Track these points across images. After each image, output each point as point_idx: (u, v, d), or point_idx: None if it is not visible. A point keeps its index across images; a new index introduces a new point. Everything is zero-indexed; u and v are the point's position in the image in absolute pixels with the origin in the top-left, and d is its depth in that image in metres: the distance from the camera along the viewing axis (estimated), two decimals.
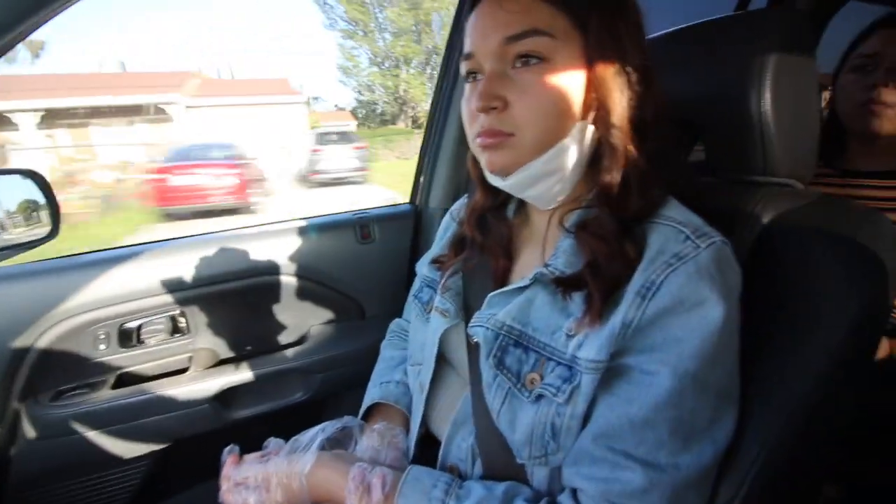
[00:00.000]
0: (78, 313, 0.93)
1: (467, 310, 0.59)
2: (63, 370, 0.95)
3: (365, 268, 1.13)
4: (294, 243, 1.08)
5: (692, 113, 0.60)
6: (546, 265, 0.51)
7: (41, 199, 1.02)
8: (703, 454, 0.44)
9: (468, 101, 0.51)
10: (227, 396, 0.99)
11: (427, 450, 0.62)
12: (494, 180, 0.53)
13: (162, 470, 1.00)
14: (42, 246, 0.97)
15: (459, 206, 0.74)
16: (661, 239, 0.46)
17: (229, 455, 0.57)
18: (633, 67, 0.48)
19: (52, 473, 0.93)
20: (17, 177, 1.00)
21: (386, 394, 0.69)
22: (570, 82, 0.47)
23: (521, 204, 0.61)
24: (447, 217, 0.75)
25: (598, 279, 0.46)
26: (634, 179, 0.48)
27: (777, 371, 0.46)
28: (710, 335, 0.42)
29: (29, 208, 1.04)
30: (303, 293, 1.10)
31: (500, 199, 0.61)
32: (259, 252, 1.06)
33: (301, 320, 1.13)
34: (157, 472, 0.99)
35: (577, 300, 0.47)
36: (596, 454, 0.45)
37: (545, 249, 0.53)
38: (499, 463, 0.52)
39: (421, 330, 0.65)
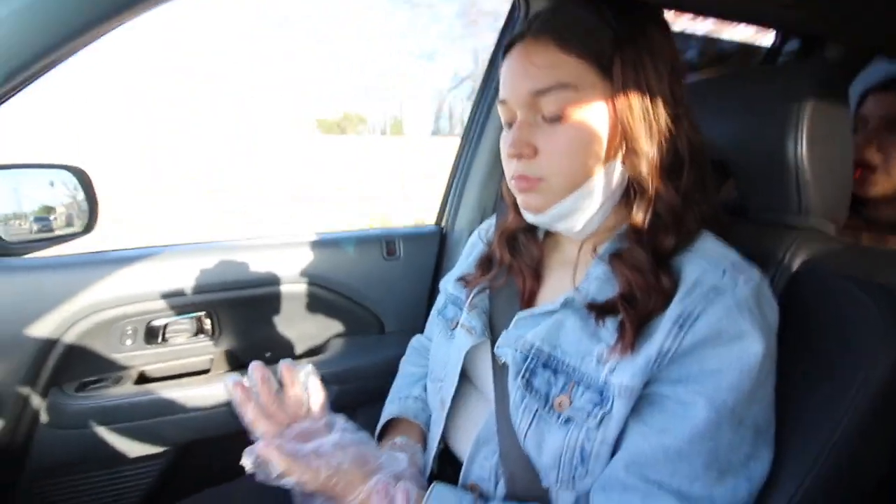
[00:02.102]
0: (107, 308, 0.96)
1: (493, 328, 0.60)
2: (89, 362, 0.97)
3: (388, 284, 1.15)
4: (321, 255, 1.10)
5: (724, 154, 0.62)
6: (577, 289, 0.52)
7: (81, 196, 1.07)
8: (738, 489, 0.44)
9: (503, 146, 0.54)
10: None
11: (445, 467, 0.61)
12: (528, 216, 0.55)
13: (175, 470, 1.00)
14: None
15: (487, 226, 0.75)
16: (699, 271, 0.46)
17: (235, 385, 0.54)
18: (662, 109, 0.49)
19: (67, 464, 0.94)
20: (62, 172, 1.05)
21: (404, 409, 0.69)
22: (597, 129, 0.49)
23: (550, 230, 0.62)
24: (474, 236, 0.77)
25: (633, 310, 0.46)
26: (667, 216, 0.49)
27: (813, 413, 0.46)
28: (748, 369, 0.43)
29: (69, 204, 1.09)
30: (326, 304, 1.12)
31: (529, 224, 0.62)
32: (286, 261, 1.08)
33: (322, 331, 1.15)
34: (170, 472, 1.00)
35: (608, 327, 0.48)
36: (628, 482, 0.44)
37: (576, 274, 0.55)
38: (522, 484, 0.52)
39: (444, 346, 0.66)
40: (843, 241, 0.56)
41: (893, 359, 0.44)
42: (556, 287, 0.58)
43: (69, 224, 1.07)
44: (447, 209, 1.23)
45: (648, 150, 0.48)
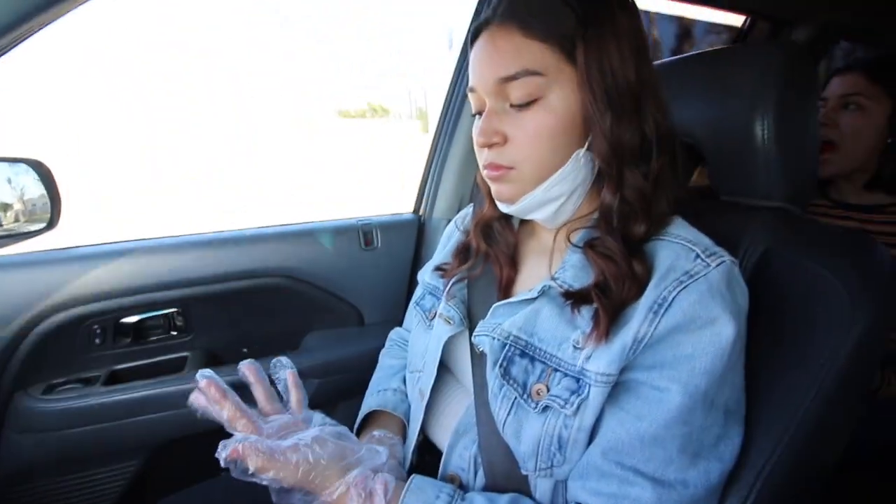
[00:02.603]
0: (74, 306, 0.92)
1: (471, 318, 0.60)
2: (56, 363, 0.94)
3: (366, 275, 1.14)
4: (296, 246, 1.08)
5: (695, 137, 0.63)
6: (554, 278, 0.52)
7: (42, 190, 1.02)
8: (711, 471, 0.45)
9: (474, 134, 0.53)
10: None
11: (425, 458, 0.62)
12: (501, 206, 0.55)
13: (152, 470, 0.98)
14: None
15: (463, 215, 0.75)
16: (672, 256, 0.47)
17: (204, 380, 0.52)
18: (627, 92, 0.49)
19: (38, 468, 0.91)
20: (20, 165, 1.00)
21: (383, 402, 0.69)
22: (565, 115, 0.49)
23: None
24: (451, 226, 0.76)
25: (607, 298, 0.46)
26: (636, 202, 0.49)
27: (780, 391, 0.48)
28: (720, 353, 0.43)
29: (30, 199, 1.05)
30: (303, 297, 1.10)
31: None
32: (260, 253, 1.06)
33: (300, 324, 1.13)
34: (147, 473, 0.98)
35: (584, 314, 0.48)
36: (604, 469, 0.45)
37: (552, 262, 0.55)
38: (502, 473, 0.52)
39: (422, 337, 0.65)
40: (809, 221, 0.57)
41: (857, 337, 0.45)
42: (533, 275, 0.58)
43: (31, 220, 1.03)
44: (425, 197, 1.22)
45: (614, 135, 0.48)
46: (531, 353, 0.50)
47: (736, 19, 1.45)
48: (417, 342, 0.67)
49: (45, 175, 1.02)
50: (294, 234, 1.09)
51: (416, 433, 0.61)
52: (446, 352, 0.60)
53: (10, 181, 1.01)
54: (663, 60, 0.70)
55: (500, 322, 0.53)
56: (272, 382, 0.57)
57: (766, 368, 0.49)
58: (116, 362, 1.00)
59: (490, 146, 0.51)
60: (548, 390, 0.47)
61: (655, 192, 0.50)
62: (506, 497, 0.49)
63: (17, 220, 1.01)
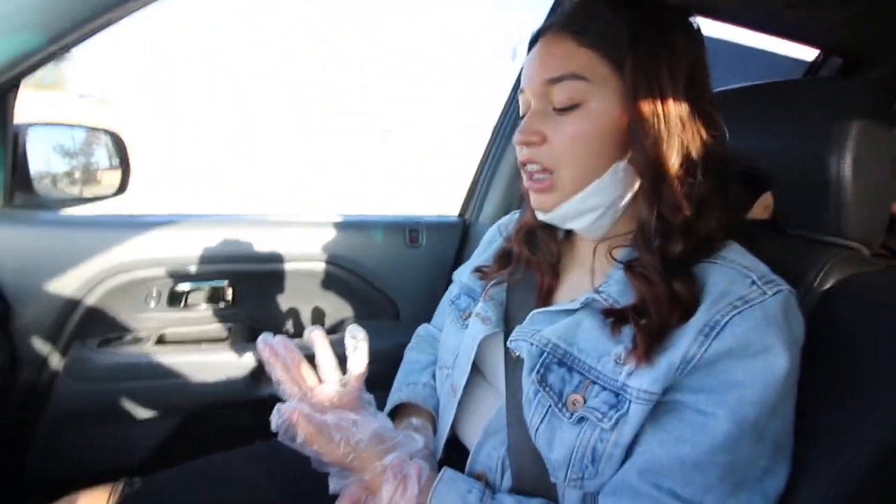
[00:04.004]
0: (135, 269, 0.98)
1: (507, 321, 0.60)
2: (112, 320, 1.00)
3: (407, 271, 1.16)
4: (345, 236, 1.12)
5: (762, 166, 0.62)
6: (598, 291, 0.52)
7: (116, 159, 1.09)
8: (752, 503, 0.44)
9: (516, 133, 0.55)
10: (258, 373, 1.02)
11: (451, 454, 0.62)
12: (539, 214, 0.56)
13: (186, 431, 1.03)
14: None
15: (507, 221, 0.76)
16: (725, 280, 0.46)
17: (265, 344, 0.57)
18: (674, 112, 0.48)
19: (84, 415, 0.97)
20: (99, 134, 1.08)
21: (413, 394, 0.70)
22: (605, 124, 0.50)
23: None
24: (493, 230, 0.77)
25: (645, 321, 0.46)
26: (674, 221, 0.49)
27: (835, 433, 0.46)
28: (773, 384, 0.42)
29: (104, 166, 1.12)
30: (345, 285, 1.13)
31: None
32: (310, 239, 1.10)
33: (338, 311, 1.16)
34: (181, 432, 1.02)
35: (626, 331, 0.48)
36: (640, 488, 0.44)
37: (594, 275, 0.55)
38: (529, 478, 0.52)
39: (454, 335, 0.66)
40: (877, 264, 0.56)
41: None
42: (575, 286, 0.58)
43: (102, 185, 1.11)
44: (473, 201, 1.23)
45: (654, 152, 0.48)
46: (569, 362, 0.50)
47: (806, 53, 1.41)
48: (449, 340, 0.67)
49: (118, 144, 1.10)
50: (344, 225, 1.13)
51: (448, 428, 0.62)
52: (479, 352, 0.60)
53: (87, 148, 1.09)
54: (730, 87, 0.69)
55: (538, 329, 0.53)
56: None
57: (822, 407, 0.47)
58: (166, 326, 1.05)
59: (528, 144, 0.52)
60: (584, 401, 0.47)
61: (700, 213, 0.49)
62: (534, 501, 0.49)
63: (89, 184, 1.09)
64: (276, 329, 1.13)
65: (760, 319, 0.43)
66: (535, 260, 0.61)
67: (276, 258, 1.07)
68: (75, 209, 1.05)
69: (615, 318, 0.48)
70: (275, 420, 0.47)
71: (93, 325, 0.98)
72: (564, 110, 0.50)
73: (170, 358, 0.98)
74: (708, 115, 0.50)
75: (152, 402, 0.99)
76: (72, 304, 0.94)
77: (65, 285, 0.93)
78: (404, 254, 1.16)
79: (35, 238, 0.92)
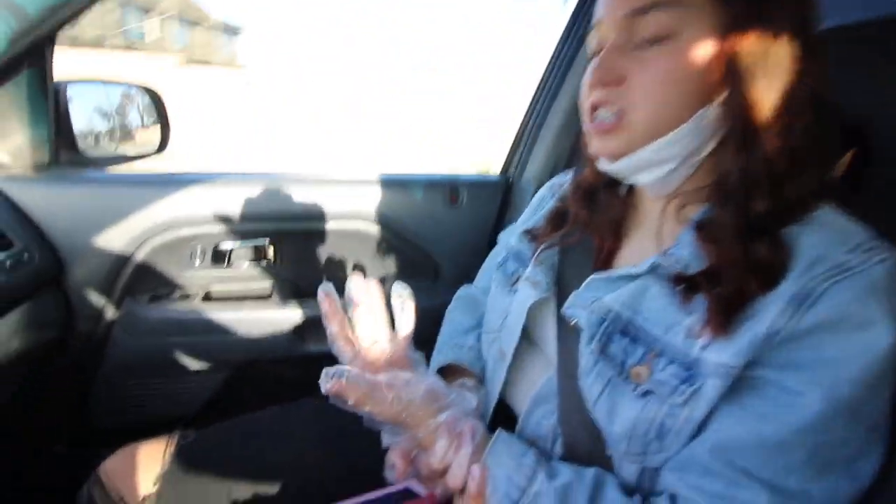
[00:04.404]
0: (180, 227, 0.99)
1: (560, 287, 0.57)
2: (160, 277, 1.02)
3: (448, 231, 1.13)
4: (386, 195, 1.09)
5: (858, 119, 0.54)
6: (666, 254, 0.47)
7: (156, 116, 1.09)
8: (839, 489, 0.40)
9: (585, 76, 0.48)
10: (302, 329, 1.03)
11: (498, 420, 0.59)
12: (603, 164, 0.50)
13: (235, 385, 1.06)
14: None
15: (560, 181, 0.71)
16: (821, 245, 0.41)
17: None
18: (783, 50, 0.42)
19: (137, 368, 1.01)
20: (135, 91, 1.07)
21: (459, 356, 0.68)
22: (699, 60, 0.42)
23: (633, 186, 0.56)
24: (544, 190, 0.73)
25: (717, 289, 0.41)
26: (763, 176, 0.42)
27: None
28: (873, 362, 0.38)
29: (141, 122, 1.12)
30: (385, 244, 1.12)
31: (612, 177, 0.57)
32: (350, 198, 1.08)
33: (379, 270, 1.16)
34: (231, 387, 1.06)
35: (699, 300, 0.43)
36: (711, 467, 0.41)
37: (662, 238, 0.50)
38: (582, 449, 0.50)
39: (502, 300, 0.63)
40: None
41: None
42: (639, 249, 0.54)
43: (143, 142, 1.11)
44: (515, 159, 1.18)
45: (754, 93, 0.41)
46: (633, 332, 0.46)
47: None
48: (497, 304, 0.64)
49: (157, 101, 1.08)
50: (384, 184, 1.10)
51: (497, 393, 0.60)
52: (529, 318, 0.58)
53: (126, 105, 1.08)
54: (830, 25, 0.60)
55: (598, 296, 0.49)
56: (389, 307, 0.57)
57: None
58: (211, 283, 1.07)
59: (605, 84, 0.46)
60: (650, 374, 0.44)
61: (794, 168, 0.43)
62: (591, 471, 0.47)
63: (130, 142, 1.09)
64: (317, 287, 1.13)
65: (862, 290, 0.38)
66: (594, 221, 0.57)
67: (317, 217, 1.06)
68: (119, 167, 1.06)
69: (686, 285, 0.44)
70: (324, 383, 0.45)
71: (142, 281, 1.01)
72: (651, 44, 0.44)
73: (216, 314, 1.00)
74: (814, 54, 0.43)
75: (201, 356, 1.02)
76: (122, 260, 0.96)
77: (114, 242, 0.95)
78: (445, 213, 1.13)
79: (83, 196, 0.94)
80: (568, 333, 0.52)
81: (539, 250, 0.60)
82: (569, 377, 0.51)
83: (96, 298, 0.96)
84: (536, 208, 0.71)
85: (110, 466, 0.66)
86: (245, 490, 0.62)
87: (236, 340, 1.01)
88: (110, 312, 0.98)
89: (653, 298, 0.46)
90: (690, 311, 0.43)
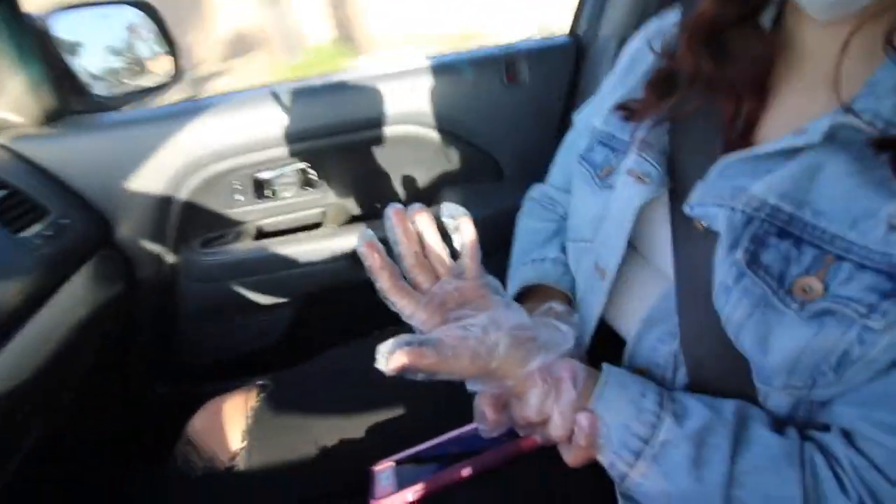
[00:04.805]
0: (213, 162, 0.91)
1: (675, 177, 0.44)
2: (207, 219, 0.97)
3: (507, 118, 0.94)
4: (428, 86, 0.92)
5: None
6: (850, 110, 0.33)
7: (158, 37, 0.95)
8: None
9: None
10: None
11: (601, 345, 0.50)
12: None
13: (305, 320, 1.04)
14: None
15: (658, 28, 0.52)
16: None
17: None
18: None
19: (213, 311, 1.01)
20: (129, 9, 0.92)
21: (542, 274, 0.57)
22: None
23: (782, 15, 0.41)
24: (635, 44, 0.55)
25: None
26: None
27: None
28: None
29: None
30: (435, 146, 0.97)
31: (747, 7, 0.41)
32: (391, 96, 0.92)
33: (433, 178, 1.02)
34: (305, 319, 1.04)
35: None
36: None
37: (842, 86, 0.34)
38: (714, 377, 0.40)
39: (592, 200, 0.51)
40: None
41: None
42: (800, 110, 0.39)
43: (154, 72, 0.99)
44: (587, 7, 0.92)
45: None
46: (799, 232, 0.34)
47: None
48: (587, 206, 0.52)
49: (154, 18, 0.94)
50: (425, 71, 0.92)
51: (596, 317, 0.50)
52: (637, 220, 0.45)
53: (120, 29, 0.95)
54: None
55: (741, 185, 0.37)
56: (443, 234, 0.45)
57: None
58: (259, 218, 1.00)
59: None
60: (825, 288, 0.33)
61: None
62: (730, 404, 0.38)
63: (140, 73, 0.98)
64: (369, 207, 1.04)
65: None
66: (724, 75, 0.42)
67: (351, 127, 0.93)
68: (135, 104, 0.97)
69: None
70: (382, 365, 0.37)
71: (191, 225, 0.96)
72: None
73: (273, 251, 0.95)
74: None
75: (265, 295, 0.99)
76: (165, 204, 0.91)
77: (151, 186, 0.89)
78: (502, 95, 0.93)
79: (105, 142, 0.87)
80: (692, 240, 0.42)
81: (642, 129, 0.47)
82: (695, 294, 0.41)
83: (151, 247, 0.93)
84: (627, 72, 0.55)
85: (198, 425, 0.65)
86: (332, 435, 0.60)
87: (296, 275, 0.96)
88: (170, 258, 0.96)
89: (830, 181, 0.34)
90: (892, 191, 0.32)
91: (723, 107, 0.42)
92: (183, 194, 0.92)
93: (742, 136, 0.42)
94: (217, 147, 0.90)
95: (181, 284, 0.97)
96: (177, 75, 0.98)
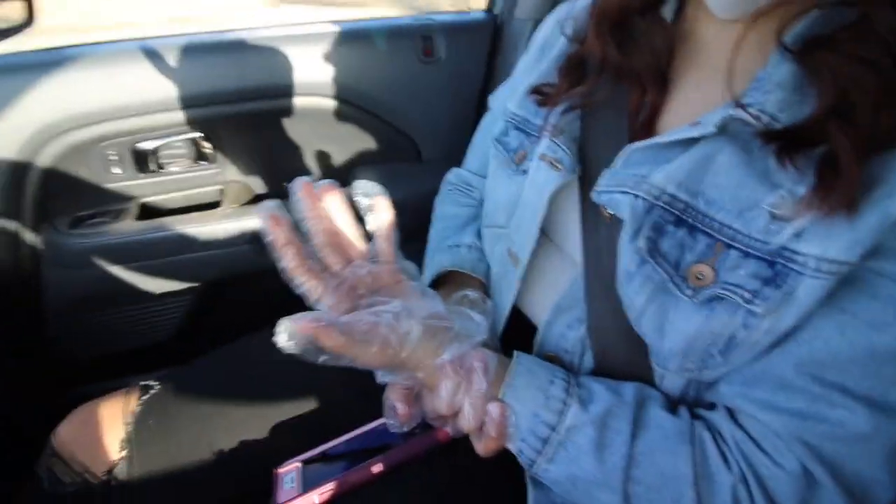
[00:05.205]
0: (82, 125, 0.78)
1: (586, 164, 0.44)
2: (76, 194, 0.84)
3: (424, 95, 0.91)
4: (343, 54, 0.85)
5: None
6: (742, 104, 0.34)
7: None
8: None
9: None
10: (263, 237, 0.88)
11: (513, 331, 0.50)
12: None
13: (198, 311, 0.94)
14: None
15: (570, 10, 0.52)
16: None
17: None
18: None
19: (87, 302, 0.88)
20: None
21: (458, 260, 0.56)
22: None
23: (683, 7, 0.43)
24: (548, 27, 0.55)
25: (855, 134, 0.30)
26: None
27: None
28: None
29: None
30: (349, 122, 0.91)
31: None
32: (300, 61, 0.84)
33: (346, 157, 0.96)
34: (200, 310, 0.94)
35: (797, 166, 0.32)
36: (792, 382, 0.34)
37: (734, 79, 0.35)
38: (619, 362, 0.42)
39: (506, 185, 0.51)
40: None
41: None
42: (697, 101, 0.41)
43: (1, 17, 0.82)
44: None
45: None
46: (692, 219, 0.36)
47: None
48: (500, 191, 0.52)
49: None
50: (338, 39, 0.85)
51: (510, 304, 0.50)
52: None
53: None
54: None
55: (642, 173, 0.39)
56: (356, 215, 0.42)
57: None
58: (143, 195, 0.89)
59: None
60: (715, 275, 0.34)
61: None
62: (630, 387, 0.40)
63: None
64: (274, 186, 0.96)
65: None
66: (630, 64, 0.43)
67: (260, 94, 0.84)
68: None
69: (784, 141, 0.32)
70: (283, 339, 0.34)
71: (53, 203, 0.83)
72: None
73: (161, 233, 0.84)
74: None
75: (155, 282, 0.88)
76: (19, 171, 0.77)
77: (0, 151, 0.74)
78: (418, 72, 0.89)
79: None
80: (599, 226, 0.42)
81: (554, 114, 0.47)
82: (600, 280, 0.42)
83: (2, 224, 0.78)
84: (540, 55, 0.55)
85: (65, 434, 0.56)
86: (230, 437, 0.55)
87: (191, 259, 0.86)
88: (29, 237, 0.82)
89: (720, 171, 0.36)
90: (775, 183, 0.33)
91: (630, 96, 0.43)
92: (41, 163, 0.78)
93: (646, 125, 0.43)
94: (84, 108, 0.77)
95: (45, 270, 0.83)
96: (29, 18, 0.82)
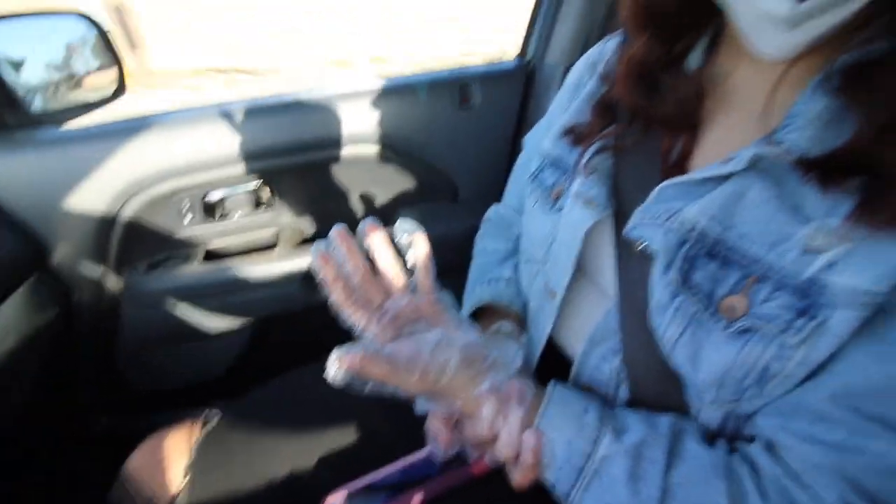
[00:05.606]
0: (160, 181, 0.87)
1: (619, 200, 0.45)
2: (153, 241, 0.93)
3: (462, 139, 0.96)
4: (386, 107, 0.92)
5: None
6: (773, 139, 0.35)
7: (102, 50, 0.91)
8: None
9: None
10: (314, 276, 0.94)
11: (549, 364, 0.51)
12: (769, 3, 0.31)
13: (257, 346, 1.00)
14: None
15: (602, 52, 0.54)
16: None
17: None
18: None
19: (156, 339, 0.96)
20: (69, 21, 0.88)
21: (497, 293, 0.58)
22: None
23: (714, 50, 0.43)
24: (580, 67, 0.57)
25: (886, 163, 0.30)
26: None
27: None
28: None
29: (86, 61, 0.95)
30: (392, 165, 0.97)
31: (677, 49, 0.43)
32: (349, 115, 0.92)
33: (390, 199, 1.02)
34: (254, 345, 1.00)
35: (826, 198, 0.32)
36: (829, 413, 0.33)
37: (768, 117, 0.36)
38: (653, 394, 0.42)
39: (543, 222, 0.52)
40: None
41: None
42: (727, 140, 0.41)
43: (96, 86, 0.95)
44: (535, 35, 0.95)
45: None
46: (725, 252, 0.36)
47: None
48: (537, 227, 0.53)
49: (99, 31, 0.90)
50: (383, 93, 0.92)
51: (545, 336, 0.51)
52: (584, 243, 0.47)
53: (60, 41, 0.90)
54: None
55: (675, 208, 0.39)
56: (399, 252, 0.47)
57: None
58: (208, 240, 0.97)
59: None
60: (748, 307, 0.34)
61: None
62: (665, 419, 0.40)
63: (81, 87, 0.93)
64: (325, 227, 1.02)
65: None
66: (658, 113, 0.44)
67: (311, 146, 0.92)
68: (76, 120, 0.92)
69: (822, 170, 0.32)
70: (333, 371, 0.37)
71: (135, 246, 0.92)
72: None
73: (224, 273, 0.92)
74: None
75: (213, 320, 0.95)
76: (106, 225, 0.87)
77: (91, 206, 0.84)
78: (456, 118, 0.94)
79: (42, 160, 0.82)
80: (632, 260, 0.43)
81: (587, 155, 0.47)
82: (633, 313, 0.42)
83: (90, 270, 0.88)
84: (572, 95, 0.56)
85: (136, 463, 0.61)
86: (282, 466, 0.57)
87: (246, 298, 0.93)
88: (111, 282, 0.91)
89: (752, 206, 0.36)
90: (808, 216, 0.33)
91: (662, 139, 0.44)
92: (126, 215, 0.88)
93: (678, 164, 0.43)
94: (163, 166, 0.86)
95: (124, 310, 0.92)
96: (120, 90, 0.94)
